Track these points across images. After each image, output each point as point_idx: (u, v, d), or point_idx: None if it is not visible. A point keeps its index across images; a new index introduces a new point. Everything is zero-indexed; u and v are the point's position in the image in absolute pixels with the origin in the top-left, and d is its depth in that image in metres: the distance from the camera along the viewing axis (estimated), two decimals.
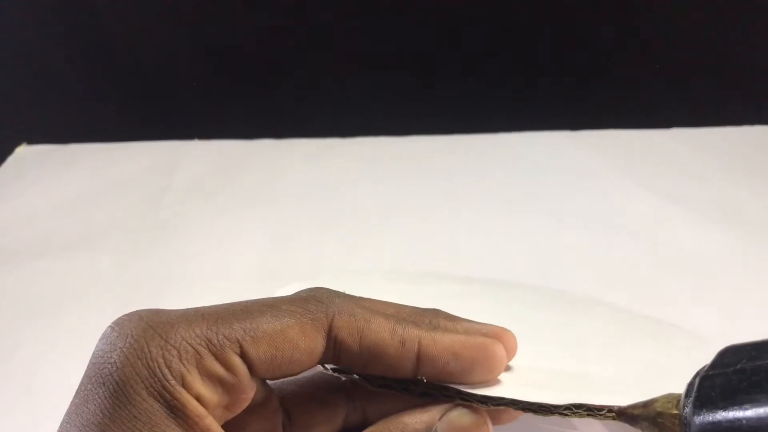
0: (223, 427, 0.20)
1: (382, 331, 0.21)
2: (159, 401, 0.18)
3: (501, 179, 0.53)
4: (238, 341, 0.20)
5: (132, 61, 0.68)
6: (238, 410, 0.21)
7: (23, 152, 0.60)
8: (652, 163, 0.54)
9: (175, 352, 0.19)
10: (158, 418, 0.18)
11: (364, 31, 0.67)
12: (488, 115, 0.62)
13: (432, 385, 0.22)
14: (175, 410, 0.19)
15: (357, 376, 0.23)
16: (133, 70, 0.69)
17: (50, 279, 0.45)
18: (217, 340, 0.20)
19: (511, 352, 0.23)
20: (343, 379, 0.24)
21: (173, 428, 0.18)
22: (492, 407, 0.21)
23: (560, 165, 0.55)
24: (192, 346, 0.19)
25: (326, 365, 0.23)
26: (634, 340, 0.31)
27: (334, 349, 0.21)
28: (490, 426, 0.21)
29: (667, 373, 0.25)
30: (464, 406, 0.21)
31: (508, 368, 0.24)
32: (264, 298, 0.22)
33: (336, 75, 0.67)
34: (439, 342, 0.22)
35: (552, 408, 0.21)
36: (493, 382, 0.22)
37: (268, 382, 0.24)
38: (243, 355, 0.20)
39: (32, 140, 0.61)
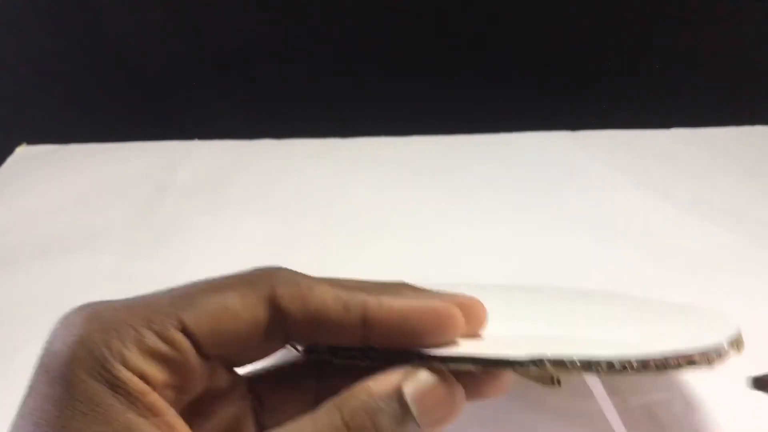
0: (189, 414, 0.20)
1: (324, 297, 0.21)
2: (99, 381, 0.18)
3: (501, 179, 0.53)
4: (178, 317, 0.20)
5: (132, 61, 0.68)
6: (193, 391, 0.21)
7: (23, 152, 0.60)
8: (652, 163, 0.54)
9: (114, 333, 0.19)
10: (99, 398, 0.18)
11: (365, 30, 0.67)
12: (488, 115, 0.63)
13: (393, 351, 0.22)
14: (116, 388, 0.18)
15: (321, 352, 0.23)
16: (133, 70, 0.69)
17: (50, 279, 0.45)
18: (158, 318, 0.20)
19: (478, 320, 0.23)
20: (312, 356, 0.24)
21: (116, 405, 0.18)
22: (452, 367, 0.21)
23: (560, 165, 0.55)
24: (132, 326, 0.19)
25: (293, 344, 0.24)
26: (640, 318, 0.30)
27: (280, 319, 0.21)
28: (456, 384, 0.21)
29: (664, 336, 0.24)
30: (427, 368, 0.21)
31: (478, 337, 0.23)
32: (208, 277, 0.22)
33: (336, 75, 0.67)
34: (385, 305, 0.21)
35: (514, 362, 0.21)
36: (456, 344, 0.22)
37: (237, 370, 0.24)
38: (185, 331, 0.20)
39: (32, 140, 0.61)
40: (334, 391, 0.25)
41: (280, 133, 0.61)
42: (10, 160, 0.59)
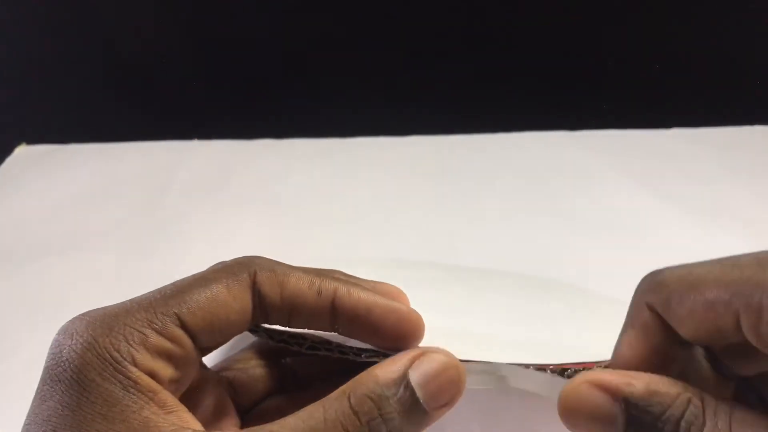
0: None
1: (300, 283, 0.23)
2: (114, 383, 0.19)
3: (501, 179, 0.53)
4: (176, 315, 0.21)
5: (132, 61, 0.68)
6: (187, 384, 0.22)
7: (22, 152, 0.60)
8: (652, 163, 0.54)
9: (121, 337, 0.20)
10: (115, 399, 0.19)
11: (364, 31, 0.67)
12: (488, 115, 0.62)
13: (344, 346, 0.24)
14: (130, 388, 0.19)
15: (289, 342, 0.25)
16: (133, 70, 0.69)
17: (50, 279, 0.45)
18: (158, 318, 0.21)
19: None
20: (271, 342, 0.26)
21: (132, 405, 0.19)
22: (365, 357, 0.23)
23: (560, 165, 0.55)
24: (136, 329, 0.20)
25: (255, 328, 0.25)
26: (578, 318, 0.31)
27: (261, 305, 0.23)
28: (460, 366, 0.21)
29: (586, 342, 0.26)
30: (433, 352, 0.21)
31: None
32: (193, 274, 0.23)
33: (336, 75, 0.67)
34: (354, 295, 0.23)
35: None
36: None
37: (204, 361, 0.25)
38: (183, 327, 0.21)
39: (32, 140, 0.61)
40: (292, 367, 0.27)
41: (280, 133, 0.61)
42: (10, 161, 0.59)
